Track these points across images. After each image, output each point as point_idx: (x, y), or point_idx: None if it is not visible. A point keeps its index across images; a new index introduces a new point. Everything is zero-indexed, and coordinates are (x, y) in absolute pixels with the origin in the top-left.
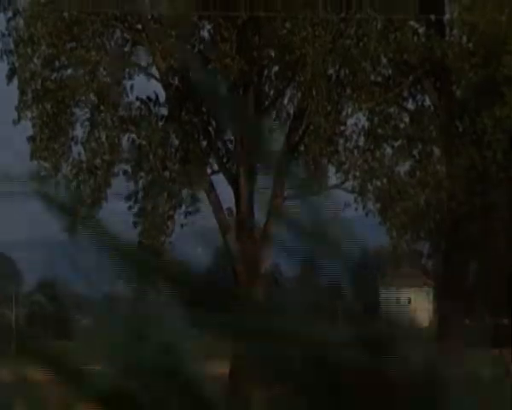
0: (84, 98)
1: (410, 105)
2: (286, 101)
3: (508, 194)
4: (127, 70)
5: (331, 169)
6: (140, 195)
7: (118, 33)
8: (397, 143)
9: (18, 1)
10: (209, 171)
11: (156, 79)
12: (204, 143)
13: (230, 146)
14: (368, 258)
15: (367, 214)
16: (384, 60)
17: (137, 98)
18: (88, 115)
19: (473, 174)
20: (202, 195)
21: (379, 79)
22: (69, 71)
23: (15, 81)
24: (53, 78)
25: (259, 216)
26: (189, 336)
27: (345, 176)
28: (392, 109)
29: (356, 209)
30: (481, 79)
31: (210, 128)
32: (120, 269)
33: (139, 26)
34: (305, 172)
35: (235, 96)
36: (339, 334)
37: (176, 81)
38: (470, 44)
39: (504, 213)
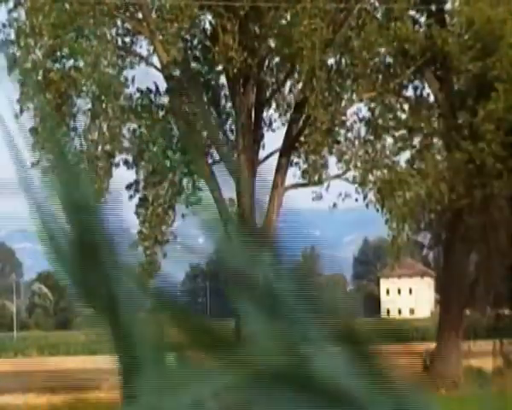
0: (85, 89)
1: (411, 95)
2: (286, 91)
3: (506, 185)
4: (128, 60)
5: (332, 159)
6: (141, 184)
7: (119, 23)
8: (397, 133)
9: None
10: (210, 161)
11: (157, 69)
12: (205, 133)
13: (231, 136)
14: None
15: (367, 205)
16: (383, 50)
17: (138, 89)
18: (89, 106)
19: (471, 166)
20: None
21: (380, 68)
22: (71, 61)
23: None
24: (55, 68)
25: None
26: None
27: (346, 166)
28: (392, 99)
29: (356, 200)
30: (477, 73)
31: (211, 118)
32: None
33: (140, 16)
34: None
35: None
36: None
37: (177, 71)
38: (468, 38)
39: (503, 203)
